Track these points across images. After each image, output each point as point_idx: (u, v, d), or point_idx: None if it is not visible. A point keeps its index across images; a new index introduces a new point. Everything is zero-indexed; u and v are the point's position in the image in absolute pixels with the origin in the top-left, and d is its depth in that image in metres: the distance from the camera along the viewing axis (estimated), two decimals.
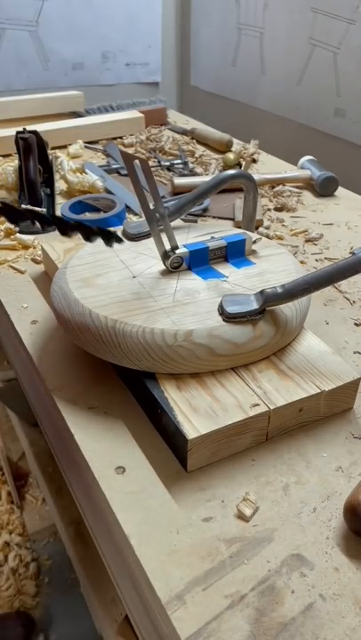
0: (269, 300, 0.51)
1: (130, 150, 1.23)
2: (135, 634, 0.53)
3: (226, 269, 0.60)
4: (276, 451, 0.48)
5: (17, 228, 0.85)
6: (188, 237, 0.65)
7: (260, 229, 0.87)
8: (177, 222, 0.70)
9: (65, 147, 1.21)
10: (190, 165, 1.15)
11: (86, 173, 1.03)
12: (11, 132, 1.10)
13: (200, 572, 0.38)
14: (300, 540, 0.41)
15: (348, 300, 0.70)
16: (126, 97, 1.49)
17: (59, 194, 1.00)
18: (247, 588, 0.38)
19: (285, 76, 1.47)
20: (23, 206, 0.88)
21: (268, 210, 0.96)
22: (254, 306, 0.51)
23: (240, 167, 1.13)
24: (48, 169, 0.98)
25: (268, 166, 1.17)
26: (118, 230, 0.67)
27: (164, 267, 0.59)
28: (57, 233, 0.51)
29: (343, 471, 0.46)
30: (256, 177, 0.99)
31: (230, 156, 1.13)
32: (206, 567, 0.39)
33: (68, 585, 1.23)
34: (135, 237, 0.65)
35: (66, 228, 0.50)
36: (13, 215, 0.48)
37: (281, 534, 0.41)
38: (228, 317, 0.51)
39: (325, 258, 0.81)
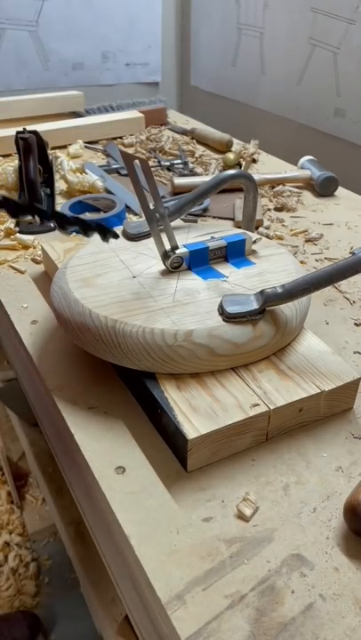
0: (269, 299, 0.51)
1: (130, 150, 1.23)
2: (135, 634, 0.53)
3: (226, 269, 0.60)
4: (276, 451, 0.48)
5: (17, 228, 0.85)
6: (188, 237, 0.65)
7: (260, 229, 0.87)
8: (177, 222, 0.70)
9: (65, 147, 1.21)
10: (190, 165, 1.15)
11: (86, 173, 1.03)
12: (11, 132, 1.10)
13: (200, 572, 0.39)
14: (300, 539, 0.41)
15: (348, 299, 0.70)
16: (126, 97, 1.49)
17: (59, 194, 1.00)
18: (247, 588, 0.38)
19: (285, 76, 1.47)
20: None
21: (268, 210, 0.96)
22: (254, 306, 0.51)
23: (240, 167, 1.13)
24: (48, 169, 0.98)
25: (268, 166, 1.17)
26: (118, 230, 0.67)
27: (164, 267, 0.59)
28: (57, 233, 0.51)
29: (343, 471, 0.46)
30: (256, 177, 0.99)
31: (230, 155, 1.13)
32: (206, 567, 0.39)
33: (68, 585, 1.23)
34: (135, 237, 0.65)
35: (65, 222, 0.51)
36: (14, 208, 0.49)
37: (281, 534, 0.41)
38: (228, 317, 0.51)
39: (325, 258, 0.81)
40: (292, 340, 0.55)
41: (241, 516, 0.42)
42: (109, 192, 0.98)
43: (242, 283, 0.57)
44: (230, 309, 0.51)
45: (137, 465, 0.46)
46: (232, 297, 0.53)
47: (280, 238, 0.86)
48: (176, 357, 0.49)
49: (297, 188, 1.04)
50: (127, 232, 0.66)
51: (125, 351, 0.49)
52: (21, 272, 0.75)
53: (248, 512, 0.42)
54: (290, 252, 0.65)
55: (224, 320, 0.51)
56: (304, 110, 1.44)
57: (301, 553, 0.40)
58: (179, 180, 0.99)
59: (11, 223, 0.86)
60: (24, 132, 0.91)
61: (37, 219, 0.50)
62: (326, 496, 0.44)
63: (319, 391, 0.49)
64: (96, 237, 0.53)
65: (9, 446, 1.43)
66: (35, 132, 0.91)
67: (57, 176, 1.04)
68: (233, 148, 1.23)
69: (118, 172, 1.12)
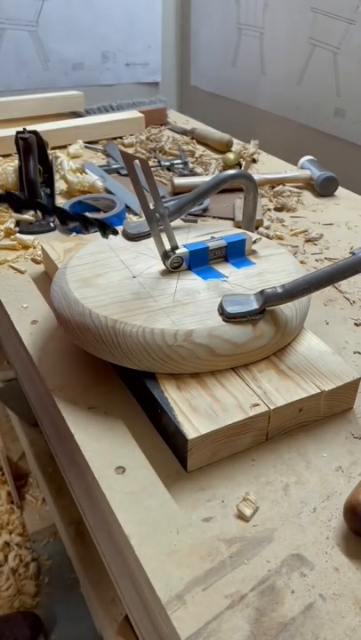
0: (269, 299, 0.51)
1: (130, 150, 1.23)
2: (135, 634, 0.53)
3: (226, 269, 0.60)
4: (276, 451, 0.48)
5: (17, 228, 0.85)
6: (188, 237, 0.65)
7: (260, 229, 0.87)
8: (177, 222, 0.70)
9: (65, 147, 1.21)
10: (190, 165, 1.15)
11: (86, 173, 1.03)
12: (11, 132, 1.10)
13: (200, 572, 0.39)
14: (300, 539, 0.41)
15: (348, 299, 0.70)
16: (126, 97, 1.49)
17: (59, 194, 1.00)
18: (247, 588, 0.38)
19: (285, 76, 1.47)
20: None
21: (268, 210, 0.96)
22: (254, 306, 0.51)
23: (240, 167, 1.13)
24: (48, 169, 0.98)
25: (268, 166, 1.17)
26: (118, 230, 0.66)
27: (164, 267, 0.59)
28: (57, 233, 0.52)
29: (343, 471, 0.46)
30: (256, 177, 0.99)
31: (230, 155, 1.13)
32: (206, 567, 0.39)
33: (68, 585, 1.23)
34: (135, 237, 0.65)
35: (66, 217, 0.53)
36: (17, 203, 0.49)
37: (281, 534, 0.41)
38: (228, 317, 0.51)
39: (325, 258, 0.81)
40: (292, 340, 0.55)
41: (241, 516, 0.42)
42: (109, 192, 0.98)
43: (242, 283, 0.57)
44: (230, 309, 0.51)
45: (137, 465, 0.46)
46: (232, 297, 0.53)
47: (280, 238, 0.86)
48: (176, 357, 0.49)
49: (297, 188, 1.04)
50: (127, 232, 0.66)
51: (125, 351, 0.49)
52: (21, 272, 0.75)
53: (248, 512, 0.42)
54: (290, 252, 0.65)
55: (224, 320, 0.51)
56: (304, 110, 1.44)
57: (301, 553, 0.40)
58: (179, 180, 0.99)
59: (11, 223, 0.86)
60: (24, 131, 0.91)
61: (40, 214, 0.51)
62: (326, 496, 0.44)
63: (319, 391, 0.49)
64: (96, 237, 0.54)
65: (9, 446, 1.43)
66: (35, 132, 0.91)
67: (57, 176, 1.04)
68: (233, 148, 1.23)
69: (118, 172, 1.12)
